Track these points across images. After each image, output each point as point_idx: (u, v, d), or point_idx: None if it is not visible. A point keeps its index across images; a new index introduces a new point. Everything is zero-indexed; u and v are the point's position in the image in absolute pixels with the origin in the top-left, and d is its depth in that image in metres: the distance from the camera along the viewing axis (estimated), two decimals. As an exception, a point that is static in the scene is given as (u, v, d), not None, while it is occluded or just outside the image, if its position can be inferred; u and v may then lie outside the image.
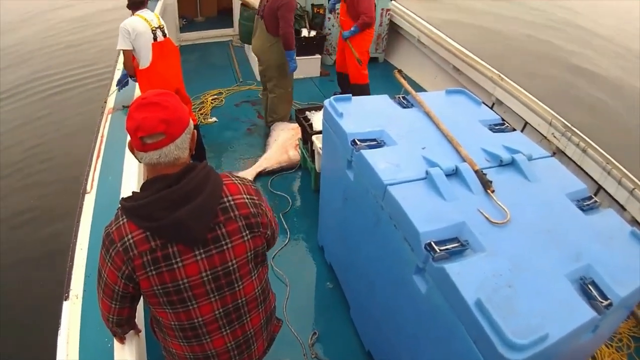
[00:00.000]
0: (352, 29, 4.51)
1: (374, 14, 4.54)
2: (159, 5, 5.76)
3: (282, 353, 2.54)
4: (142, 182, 1.32)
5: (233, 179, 1.43)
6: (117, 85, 3.79)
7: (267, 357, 2.47)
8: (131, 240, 1.25)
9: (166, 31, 3.55)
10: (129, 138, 1.25)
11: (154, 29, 3.43)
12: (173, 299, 1.33)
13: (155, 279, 1.29)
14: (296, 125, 4.43)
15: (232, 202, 1.35)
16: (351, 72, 4.75)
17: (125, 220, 1.28)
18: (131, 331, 1.82)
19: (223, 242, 1.34)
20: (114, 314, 1.41)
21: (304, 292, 2.98)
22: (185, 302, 1.35)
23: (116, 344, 1.82)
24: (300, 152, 4.07)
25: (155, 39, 3.44)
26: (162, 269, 1.28)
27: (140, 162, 1.27)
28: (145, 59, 3.46)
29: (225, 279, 1.38)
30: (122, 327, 1.54)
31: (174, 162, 1.25)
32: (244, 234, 1.37)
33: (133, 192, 1.28)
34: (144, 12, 3.47)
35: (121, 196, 1.63)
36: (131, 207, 1.24)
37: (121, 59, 3.77)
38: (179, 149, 1.24)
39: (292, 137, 4.35)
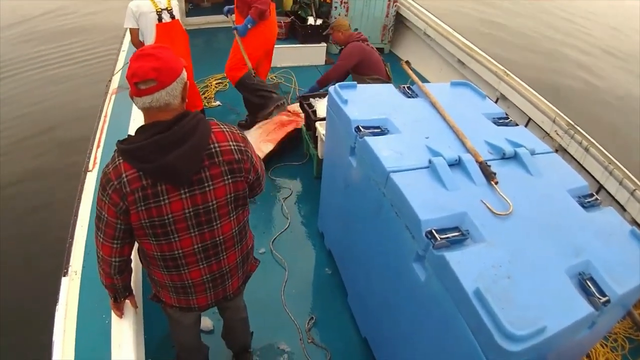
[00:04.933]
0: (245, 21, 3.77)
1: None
2: None
3: (279, 337, 2.57)
4: None
5: (222, 127, 1.55)
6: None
7: (263, 342, 2.52)
8: (125, 179, 1.39)
9: (175, 13, 3.55)
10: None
11: (159, 10, 3.44)
12: (157, 231, 1.48)
13: (144, 213, 1.43)
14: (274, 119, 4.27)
15: (217, 149, 1.48)
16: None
17: (121, 160, 1.40)
18: (130, 307, 1.84)
19: (206, 184, 1.48)
20: (116, 254, 1.54)
21: (302, 278, 2.99)
22: (168, 235, 1.50)
23: (114, 320, 1.83)
24: (303, 138, 4.07)
25: (160, 19, 3.45)
26: (150, 205, 1.42)
27: (137, 107, 1.40)
28: (149, 39, 3.51)
29: (205, 216, 1.52)
30: (122, 273, 1.64)
31: (166, 108, 1.38)
32: (225, 178, 1.51)
33: (129, 135, 1.41)
34: None
35: None
36: (126, 149, 1.38)
37: (127, 38, 3.81)
38: (170, 95, 1.36)
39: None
